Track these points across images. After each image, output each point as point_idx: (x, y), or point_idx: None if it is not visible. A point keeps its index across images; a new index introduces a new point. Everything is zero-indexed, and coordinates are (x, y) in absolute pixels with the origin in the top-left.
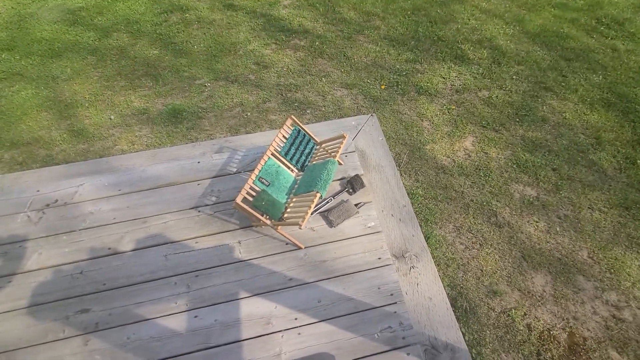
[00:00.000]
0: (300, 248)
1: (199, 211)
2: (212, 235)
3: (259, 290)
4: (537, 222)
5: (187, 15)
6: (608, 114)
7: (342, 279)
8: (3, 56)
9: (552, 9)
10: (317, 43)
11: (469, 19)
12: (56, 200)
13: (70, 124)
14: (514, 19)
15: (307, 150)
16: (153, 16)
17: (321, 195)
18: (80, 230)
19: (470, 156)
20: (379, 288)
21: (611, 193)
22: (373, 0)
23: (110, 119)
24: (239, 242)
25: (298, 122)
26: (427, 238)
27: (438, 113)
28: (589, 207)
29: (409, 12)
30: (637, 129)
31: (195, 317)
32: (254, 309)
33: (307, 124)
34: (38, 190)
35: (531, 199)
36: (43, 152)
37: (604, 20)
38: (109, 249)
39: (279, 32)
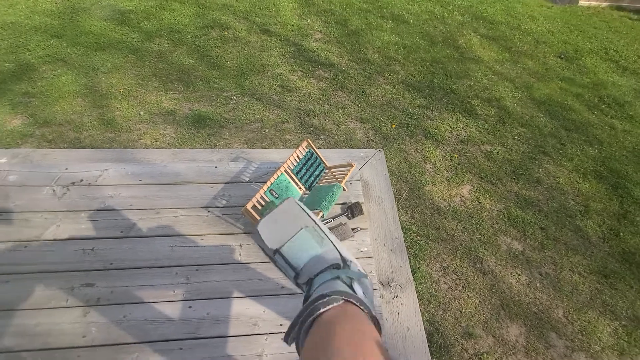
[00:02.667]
0: None
1: (208, 211)
2: (217, 234)
3: (252, 292)
4: (519, 275)
5: (226, 33)
6: (599, 186)
7: None
8: (51, 42)
9: (560, 82)
10: (339, 77)
11: (482, 79)
12: (81, 180)
13: (102, 112)
14: (523, 85)
15: (316, 172)
16: (195, 29)
17: (323, 214)
18: (98, 210)
19: (465, 203)
20: None
21: (592, 259)
22: (396, 48)
23: (140, 114)
24: (241, 246)
25: (312, 145)
26: (414, 272)
27: (441, 158)
28: (570, 269)
29: (427, 63)
30: (624, 204)
31: (189, 307)
32: (243, 310)
33: (319, 148)
34: (66, 168)
35: (517, 253)
36: (72, 135)
37: (605, 100)
38: (121, 231)
39: (306, 62)
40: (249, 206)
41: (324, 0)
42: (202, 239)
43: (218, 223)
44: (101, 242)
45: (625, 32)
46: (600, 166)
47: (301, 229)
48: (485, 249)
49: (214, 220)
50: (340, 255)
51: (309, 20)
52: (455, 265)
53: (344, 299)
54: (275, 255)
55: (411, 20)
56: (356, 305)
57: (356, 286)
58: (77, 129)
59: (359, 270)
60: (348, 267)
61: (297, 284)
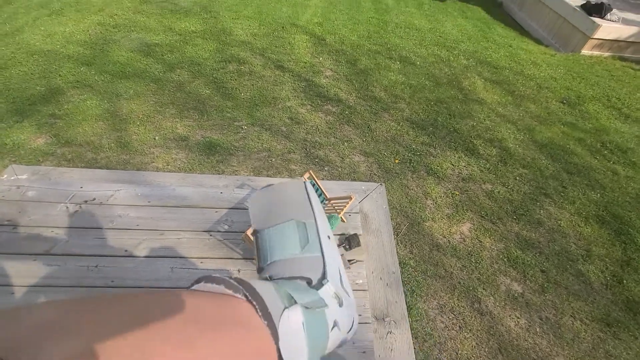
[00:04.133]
0: None
1: (210, 235)
2: (216, 258)
3: None
4: (518, 318)
5: (242, 67)
6: (601, 231)
7: None
8: (81, 69)
9: (562, 126)
10: (346, 112)
11: (485, 119)
12: (94, 199)
13: (120, 136)
14: (525, 127)
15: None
16: (214, 63)
17: None
18: (106, 229)
19: (465, 241)
20: (353, 343)
21: (594, 306)
22: (403, 87)
23: (155, 139)
24: (239, 271)
25: (314, 176)
26: (410, 308)
27: (442, 195)
28: (571, 315)
29: (432, 102)
30: (628, 251)
31: None
32: None
33: (323, 179)
34: (81, 187)
35: (516, 295)
36: (90, 155)
37: (608, 145)
38: (126, 250)
39: (316, 97)
40: (248, 232)
41: (336, 40)
42: (201, 262)
43: (218, 247)
44: (105, 259)
45: (627, 81)
46: (603, 211)
47: (291, 220)
48: (484, 289)
49: (215, 244)
50: (324, 270)
51: (321, 58)
52: (453, 304)
53: (245, 294)
54: (253, 235)
55: (418, 62)
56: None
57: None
58: (95, 150)
59: (333, 295)
60: (321, 285)
61: (258, 274)
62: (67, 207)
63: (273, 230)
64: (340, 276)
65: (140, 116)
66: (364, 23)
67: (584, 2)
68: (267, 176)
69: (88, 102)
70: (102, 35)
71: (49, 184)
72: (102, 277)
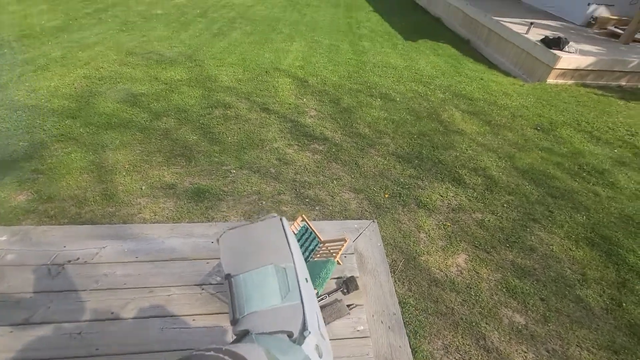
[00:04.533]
0: None
1: (202, 289)
2: (209, 314)
3: None
4: (525, 352)
5: (228, 111)
6: (592, 253)
7: None
8: (66, 122)
9: (540, 152)
10: (333, 150)
11: (467, 149)
12: (78, 258)
13: (105, 188)
14: (506, 155)
15: (311, 247)
16: (200, 109)
17: (318, 292)
18: (90, 290)
19: (462, 273)
20: None
21: (599, 333)
22: (386, 123)
23: (141, 189)
24: None
25: (307, 220)
26: (414, 351)
27: (434, 227)
28: (577, 345)
29: (415, 136)
30: (621, 272)
31: None
32: None
33: (315, 219)
34: (64, 246)
35: (520, 327)
36: (73, 210)
37: (585, 168)
38: (112, 313)
39: (302, 136)
40: None
41: (318, 82)
42: (193, 320)
43: (211, 301)
44: (89, 325)
45: (593, 106)
46: (591, 233)
47: (269, 265)
48: (487, 323)
49: (207, 298)
50: (304, 319)
51: (304, 99)
52: (458, 343)
53: None
54: (226, 279)
55: (398, 98)
56: None
57: None
58: (79, 204)
59: (314, 347)
60: (303, 338)
61: (232, 326)
62: (49, 270)
63: (249, 276)
64: (317, 319)
65: (127, 166)
66: (343, 64)
67: (543, 37)
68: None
69: (72, 155)
70: (88, 88)
71: (30, 245)
72: (85, 346)
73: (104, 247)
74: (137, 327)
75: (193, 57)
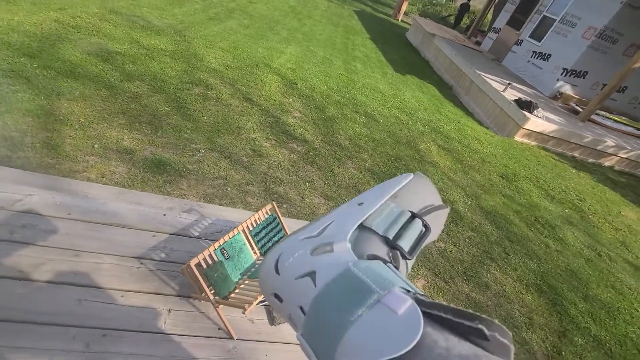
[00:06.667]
0: (232, 338)
1: (141, 262)
2: (143, 293)
3: None
4: None
5: (209, 92)
6: (540, 300)
7: None
8: (21, 59)
9: (502, 197)
10: (311, 153)
11: (439, 181)
12: None
13: (49, 136)
14: (473, 194)
15: (275, 238)
16: (179, 82)
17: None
18: (2, 240)
19: None
20: None
21: None
22: (366, 139)
23: (93, 146)
24: (169, 311)
25: (277, 210)
26: None
27: None
28: None
29: (392, 158)
30: (563, 322)
31: None
32: None
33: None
34: None
35: None
36: (4, 152)
37: (540, 220)
38: (20, 271)
39: (282, 133)
40: (192, 263)
41: (306, 87)
42: (122, 296)
43: (148, 279)
44: None
45: (550, 168)
46: (540, 280)
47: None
48: None
49: (145, 274)
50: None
51: (290, 99)
52: None
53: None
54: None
55: (381, 120)
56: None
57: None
58: (12, 147)
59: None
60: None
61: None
62: None
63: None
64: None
65: (81, 120)
66: (334, 78)
67: (517, 98)
68: (220, 205)
69: (19, 94)
70: (57, 32)
71: None
72: None
73: (30, 195)
74: (50, 293)
75: (182, 33)
